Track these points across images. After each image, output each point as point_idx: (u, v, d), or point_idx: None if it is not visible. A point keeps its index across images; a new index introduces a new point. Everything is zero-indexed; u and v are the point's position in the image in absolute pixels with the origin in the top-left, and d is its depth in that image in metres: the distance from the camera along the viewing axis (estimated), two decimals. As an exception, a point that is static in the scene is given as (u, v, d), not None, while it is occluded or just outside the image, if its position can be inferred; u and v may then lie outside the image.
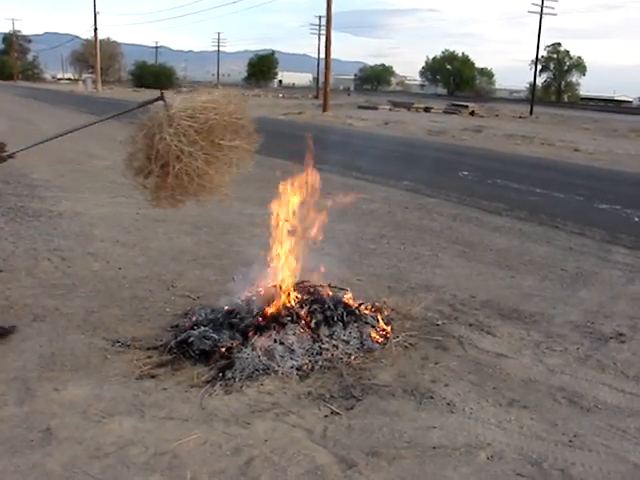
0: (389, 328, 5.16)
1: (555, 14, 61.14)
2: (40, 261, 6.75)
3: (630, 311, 6.09)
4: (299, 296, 5.03)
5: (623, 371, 4.74)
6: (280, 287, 5.00)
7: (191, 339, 4.63)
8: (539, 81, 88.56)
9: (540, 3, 59.02)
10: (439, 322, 5.52)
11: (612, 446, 3.71)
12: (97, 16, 75.60)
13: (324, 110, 42.05)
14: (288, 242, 5.11)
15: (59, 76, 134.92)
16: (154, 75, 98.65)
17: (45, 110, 34.93)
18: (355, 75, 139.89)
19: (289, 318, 4.78)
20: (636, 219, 10.90)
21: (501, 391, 4.33)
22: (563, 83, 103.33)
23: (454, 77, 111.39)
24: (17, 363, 4.41)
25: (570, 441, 3.74)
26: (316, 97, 69.00)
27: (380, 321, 5.17)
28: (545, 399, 4.25)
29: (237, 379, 4.25)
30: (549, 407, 4.15)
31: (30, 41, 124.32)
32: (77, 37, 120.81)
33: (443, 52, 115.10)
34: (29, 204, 9.52)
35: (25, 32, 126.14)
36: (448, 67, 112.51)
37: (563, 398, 4.27)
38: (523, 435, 3.79)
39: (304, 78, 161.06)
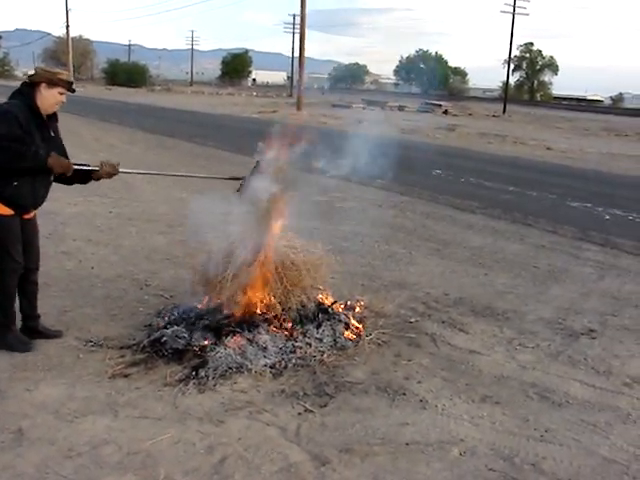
0: (362, 326, 5.18)
1: (527, 14, 61.42)
2: (11, 260, 6.66)
3: (601, 307, 6.17)
4: (273, 294, 5.02)
5: (593, 366, 4.80)
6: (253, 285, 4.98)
7: (164, 338, 4.62)
8: (512, 80, 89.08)
9: (512, 3, 59.39)
10: (412, 319, 5.55)
11: (582, 440, 3.76)
12: (69, 13, 74.96)
13: (298, 109, 42.01)
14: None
15: (31, 73, 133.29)
16: (127, 73, 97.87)
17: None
18: (329, 74, 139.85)
19: (262, 316, 4.79)
20: (607, 217, 11.03)
21: (474, 387, 4.37)
22: (536, 82, 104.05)
23: (428, 76, 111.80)
24: (-12, 363, 4.37)
25: (541, 436, 3.79)
26: (290, 96, 68.92)
27: (353, 319, 5.18)
28: (517, 395, 4.30)
29: (210, 377, 4.24)
30: (521, 403, 4.19)
31: (0, 37, 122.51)
32: (49, 34, 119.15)
33: (417, 51, 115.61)
34: (0, 203, 9.39)
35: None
36: (422, 66, 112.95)
37: (535, 394, 4.32)
38: (495, 430, 3.82)
39: (278, 77, 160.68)
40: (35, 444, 3.47)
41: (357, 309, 5.46)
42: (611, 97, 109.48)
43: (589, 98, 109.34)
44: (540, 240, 8.89)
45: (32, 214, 4.63)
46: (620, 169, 18.85)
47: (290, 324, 4.85)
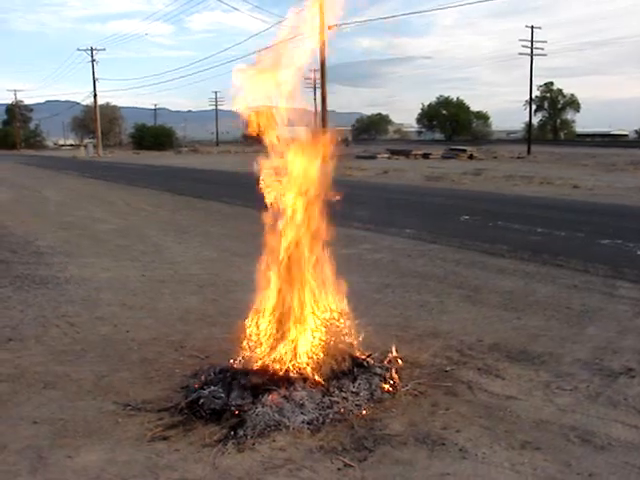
0: (398, 377, 5.17)
1: (545, 54, 62.04)
2: (49, 328, 6.79)
3: (638, 345, 6.08)
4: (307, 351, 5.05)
5: (635, 406, 4.73)
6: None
7: (201, 399, 4.64)
8: (535, 120, 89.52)
9: (530, 45, 59.97)
10: (447, 368, 5.53)
11: (627, 484, 3.69)
12: (96, 82, 77.09)
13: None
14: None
15: (61, 142, 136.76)
16: (154, 137, 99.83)
17: (48, 177, 35.32)
18: (353, 125, 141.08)
19: (298, 373, 4.80)
20: (639, 252, 10.93)
21: (513, 434, 4.32)
22: (558, 121, 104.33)
23: (450, 122, 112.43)
24: (28, 432, 4.42)
25: (585, 481, 3.73)
26: (315, 149, 69.33)
27: (389, 371, 5.17)
28: (558, 439, 4.24)
29: (249, 436, 4.25)
30: (562, 447, 4.13)
31: (32, 110, 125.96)
32: (77, 103, 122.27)
33: (438, 98, 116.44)
34: (36, 272, 9.59)
35: (27, 102, 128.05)
36: (444, 112, 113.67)
37: (576, 437, 4.26)
38: (537, 477, 3.77)
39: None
40: (78, 511, 3.50)
41: (392, 360, 5.46)
42: (636, 131, 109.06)
43: (613, 133, 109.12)
44: (572, 280, 8.82)
45: None
46: (650, 203, 18.70)
47: (326, 379, 4.85)
